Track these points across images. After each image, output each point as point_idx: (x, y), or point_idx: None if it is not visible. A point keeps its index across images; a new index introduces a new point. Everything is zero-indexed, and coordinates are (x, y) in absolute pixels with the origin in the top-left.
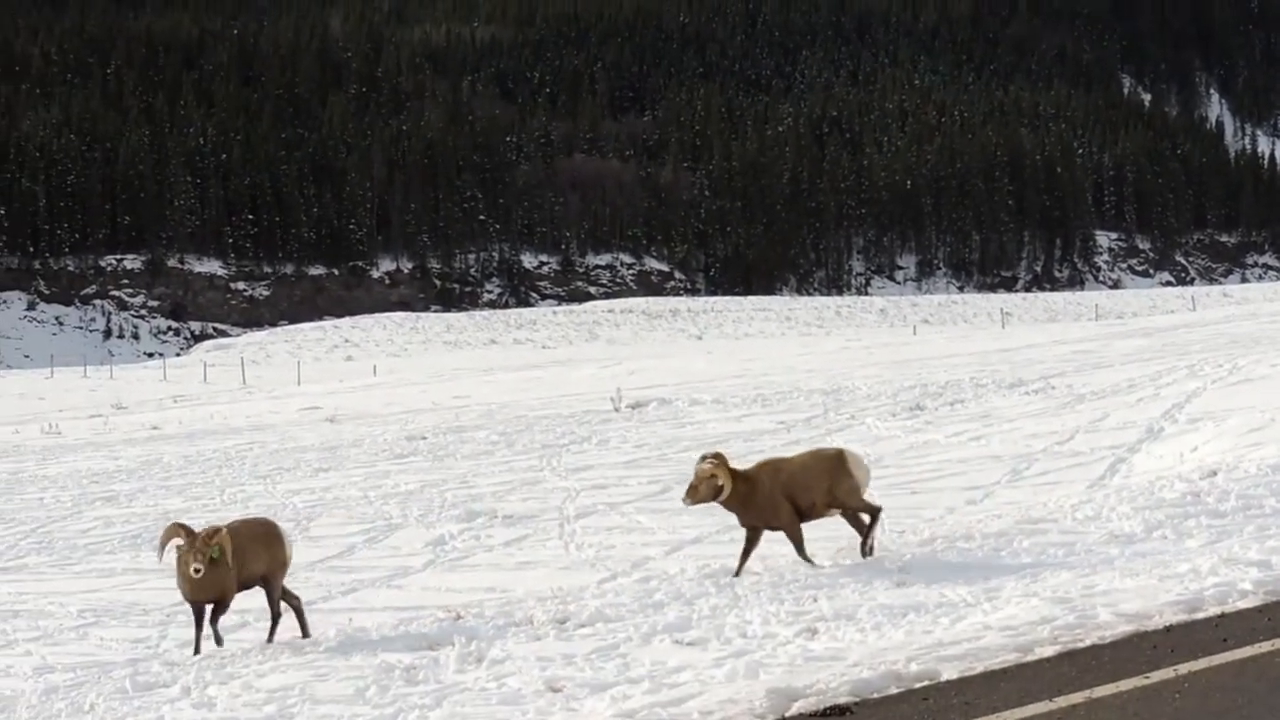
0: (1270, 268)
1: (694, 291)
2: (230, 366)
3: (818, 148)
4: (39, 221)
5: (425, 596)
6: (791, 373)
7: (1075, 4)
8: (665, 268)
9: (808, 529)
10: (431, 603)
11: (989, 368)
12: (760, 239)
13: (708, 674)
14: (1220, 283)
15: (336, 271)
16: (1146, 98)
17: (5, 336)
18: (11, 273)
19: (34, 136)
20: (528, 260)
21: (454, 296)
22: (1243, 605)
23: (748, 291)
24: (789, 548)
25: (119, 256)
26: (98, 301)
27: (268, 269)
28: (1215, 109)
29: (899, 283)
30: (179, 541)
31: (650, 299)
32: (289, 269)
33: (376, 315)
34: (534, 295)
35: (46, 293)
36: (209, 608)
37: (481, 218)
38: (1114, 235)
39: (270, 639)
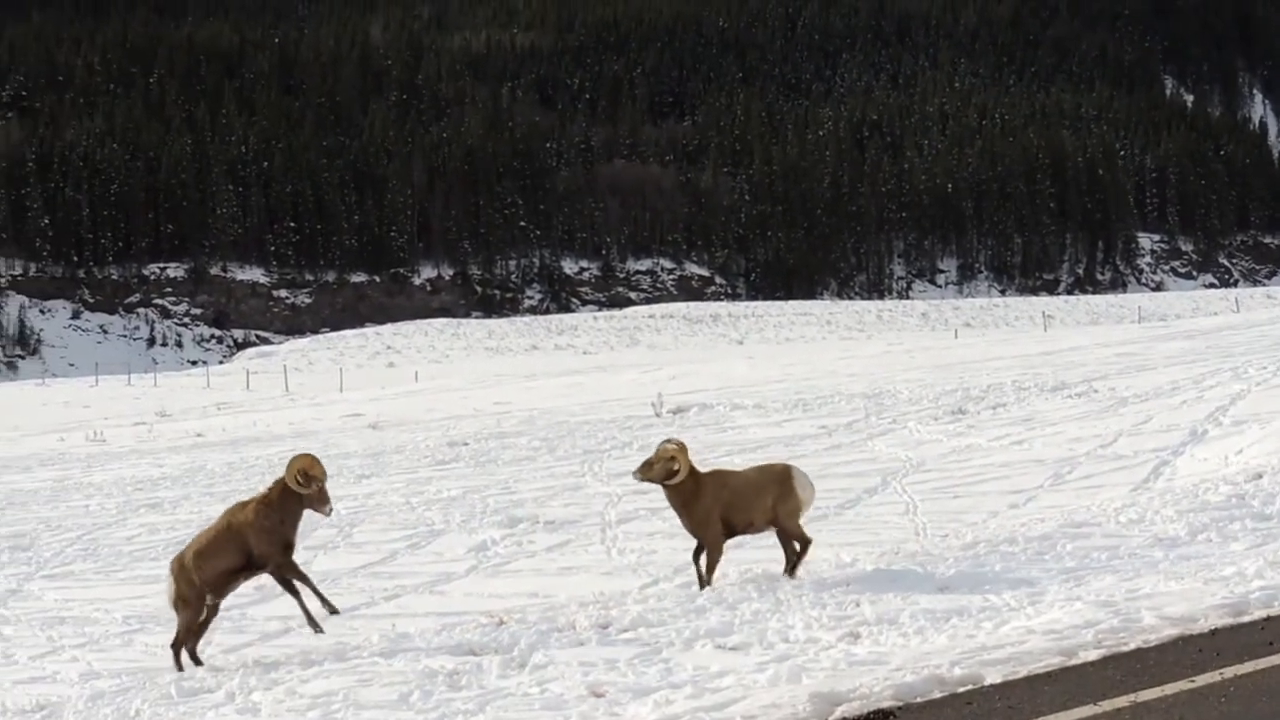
0: None
1: (735, 296)
2: (273, 374)
3: (858, 151)
4: (83, 231)
5: (468, 602)
6: (833, 377)
7: (1116, 5)
8: (706, 272)
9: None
10: (474, 608)
11: (1031, 371)
12: (801, 243)
13: (750, 678)
14: (1264, 284)
15: (378, 278)
16: (1189, 98)
17: (50, 345)
18: (56, 282)
19: (77, 146)
20: (568, 266)
21: (495, 303)
22: None
23: (788, 296)
24: (830, 552)
25: (162, 265)
26: (141, 310)
27: (309, 276)
28: (1259, 109)
29: (940, 286)
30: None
31: (691, 304)
32: (331, 276)
33: (418, 322)
34: (575, 301)
35: (91, 301)
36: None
37: (522, 224)
38: (1156, 237)
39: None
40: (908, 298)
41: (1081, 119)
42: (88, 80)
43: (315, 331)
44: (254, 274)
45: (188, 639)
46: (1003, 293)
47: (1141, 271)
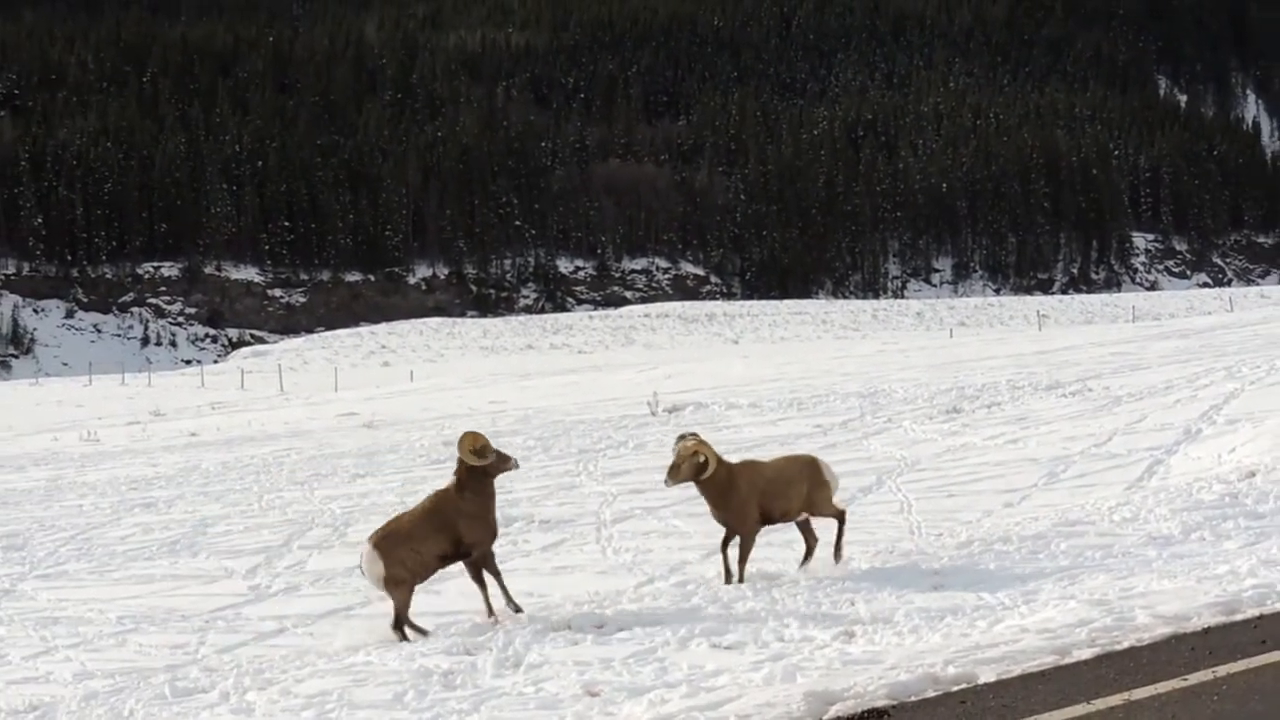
0: None
1: (730, 295)
2: (267, 373)
3: (853, 151)
4: (77, 230)
5: (462, 601)
6: (828, 376)
7: (1110, 5)
8: (701, 272)
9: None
10: (469, 607)
11: (1026, 370)
12: (796, 242)
13: (745, 677)
14: (1258, 284)
15: (373, 278)
16: (1182, 98)
17: (44, 344)
18: (50, 281)
19: (71, 145)
20: (563, 265)
21: (490, 302)
22: None
23: (784, 295)
24: (824, 551)
25: (156, 264)
26: (135, 309)
27: (304, 276)
28: (1252, 109)
29: (935, 285)
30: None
31: (686, 303)
32: (325, 275)
33: (413, 321)
34: (570, 300)
35: (84, 301)
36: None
37: (517, 223)
38: (1150, 237)
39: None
40: (902, 297)
41: (1076, 119)
42: (81, 79)
43: (310, 331)
44: (248, 273)
45: (407, 614)
46: (997, 292)
47: (1136, 271)
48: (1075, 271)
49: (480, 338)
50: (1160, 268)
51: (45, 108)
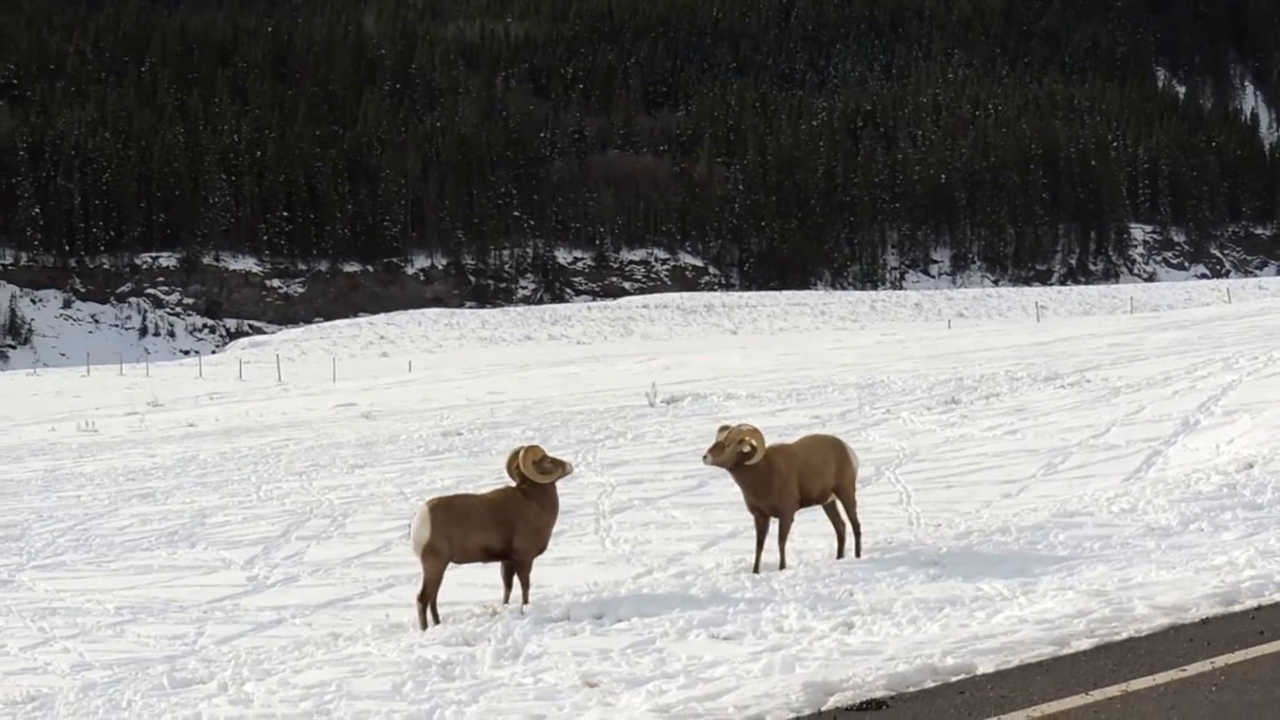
0: None
1: (728, 286)
2: (266, 364)
3: (852, 142)
4: (75, 220)
5: (461, 592)
6: (826, 367)
7: None
8: (700, 263)
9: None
10: (468, 598)
11: (1024, 361)
12: (795, 233)
13: (743, 668)
14: (1255, 275)
15: (371, 268)
16: (1180, 90)
17: (42, 335)
18: (48, 271)
19: (69, 135)
20: (562, 256)
21: (489, 293)
22: (1279, 597)
23: (782, 286)
24: (824, 542)
25: (154, 254)
26: (133, 299)
27: (302, 266)
28: (1250, 101)
29: (933, 276)
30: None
31: (685, 294)
32: (324, 266)
33: (411, 312)
34: (568, 291)
35: (83, 291)
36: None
37: (516, 214)
38: (1149, 228)
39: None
40: (901, 288)
41: (1074, 110)
42: (80, 68)
43: (308, 321)
44: (247, 263)
45: (435, 591)
46: (996, 283)
47: (1134, 262)
48: (1073, 262)
49: (479, 328)
50: (1158, 259)
51: (44, 97)
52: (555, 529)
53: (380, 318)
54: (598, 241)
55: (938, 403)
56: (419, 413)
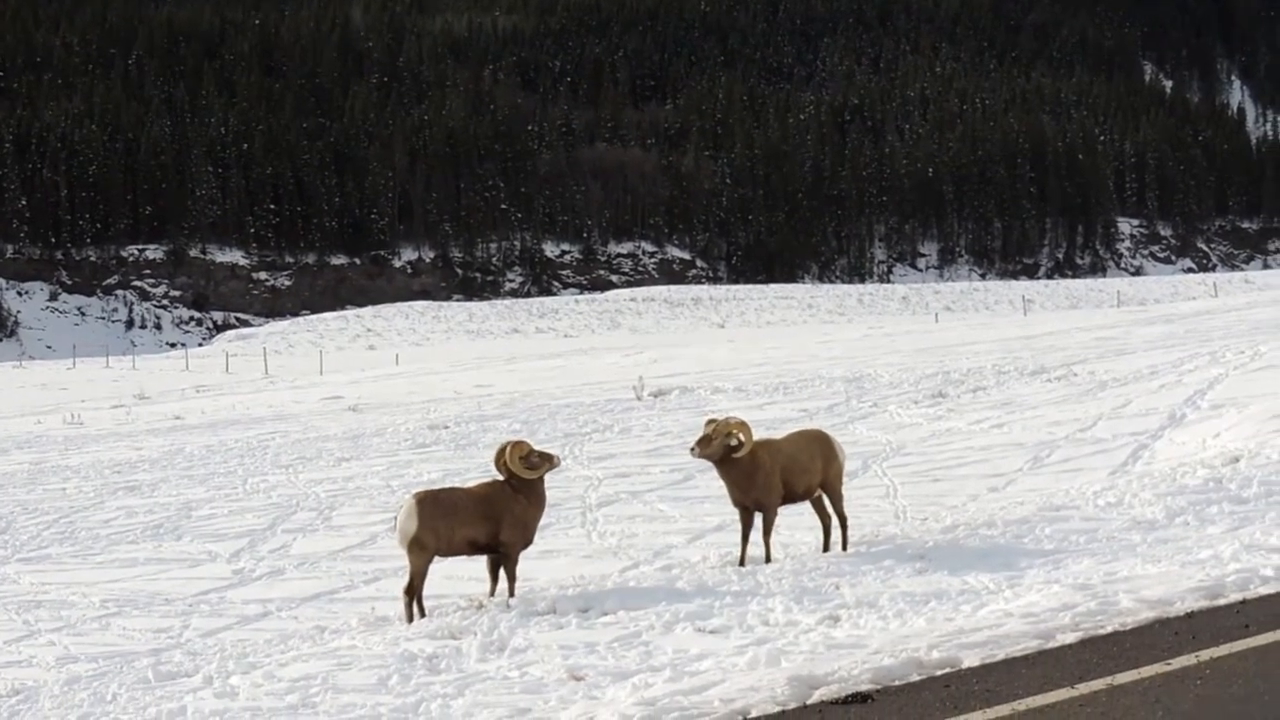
0: None
1: (716, 279)
2: (252, 356)
3: (839, 135)
4: (61, 212)
5: (447, 585)
6: (814, 360)
7: None
8: (687, 256)
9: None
10: (454, 591)
11: (1011, 355)
12: (782, 227)
13: (729, 662)
14: (1242, 269)
15: (358, 261)
16: (1168, 84)
17: (28, 327)
18: (34, 263)
19: (56, 127)
20: (549, 249)
21: (476, 286)
22: (1265, 591)
23: (770, 279)
24: (811, 536)
25: (141, 247)
26: (120, 292)
27: (289, 259)
28: (1237, 95)
29: (921, 270)
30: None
31: (672, 287)
32: (311, 259)
33: (399, 305)
34: (556, 284)
35: (69, 283)
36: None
37: (503, 207)
38: (1136, 222)
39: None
40: (888, 281)
41: (1061, 104)
42: (66, 61)
43: (295, 314)
44: (233, 256)
45: (421, 584)
46: (983, 277)
47: (1121, 256)
48: (1060, 256)
49: (466, 321)
50: (1145, 253)
51: (30, 90)
52: (542, 522)
53: (367, 310)
54: (585, 234)
55: (925, 396)
56: (406, 406)
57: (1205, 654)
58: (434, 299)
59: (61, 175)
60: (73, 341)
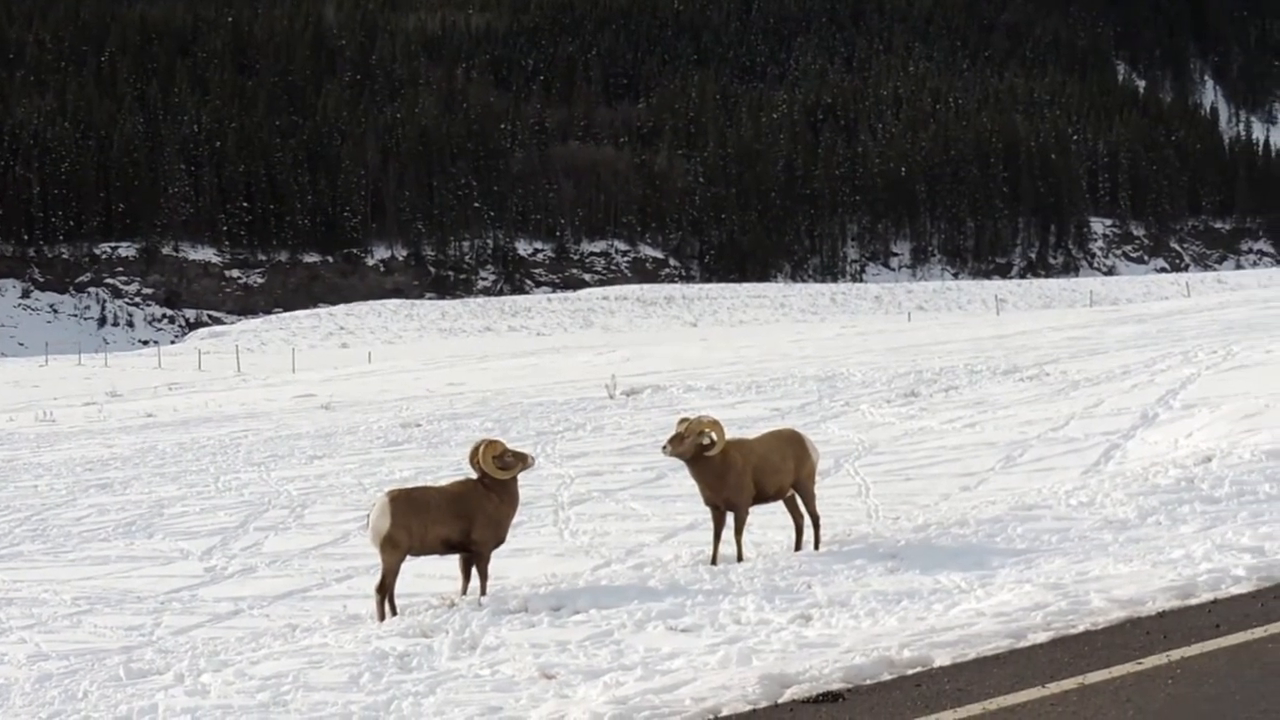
0: (1264, 254)
1: (689, 278)
2: (225, 354)
3: (812, 134)
4: (33, 209)
5: (419, 584)
6: (786, 359)
7: None
8: (660, 254)
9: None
10: (426, 590)
11: (983, 354)
12: (755, 226)
13: (701, 660)
14: (1215, 269)
15: (331, 259)
16: (1141, 84)
17: (0, 324)
18: (6, 260)
19: (28, 124)
20: (522, 247)
21: (448, 284)
22: (1236, 591)
23: (742, 278)
24: (783, 535)
25: (113, 244)
26: (92, 289)
27: (262, 256)
28: (1209, 95)
29: (894, 269)
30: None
31: (645, 286)
32: (283, 256)
33: (371, 303)
34: (529, 282)
35: (41, 280)
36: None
37: (476, 205)
38: (1108, 222)
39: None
40: (861, 281)
41: (1034, 103)
42: (39, 58)
43: (268, 312)
44: (206, 253)
45: (393, 582)
46: (955, 276)
47: (1093, 256)
48: (1033, 256)
49: (438, 319)
50: (1118, 253)
51: (2, 86)
52: (514, 520)
53: (340, 309)
54: (558, 233)
55: (897, 395)
56: (378, 404)
57: (1176, 653)
58: (407, 297)
59: (34, 172)
60: (45, 339)
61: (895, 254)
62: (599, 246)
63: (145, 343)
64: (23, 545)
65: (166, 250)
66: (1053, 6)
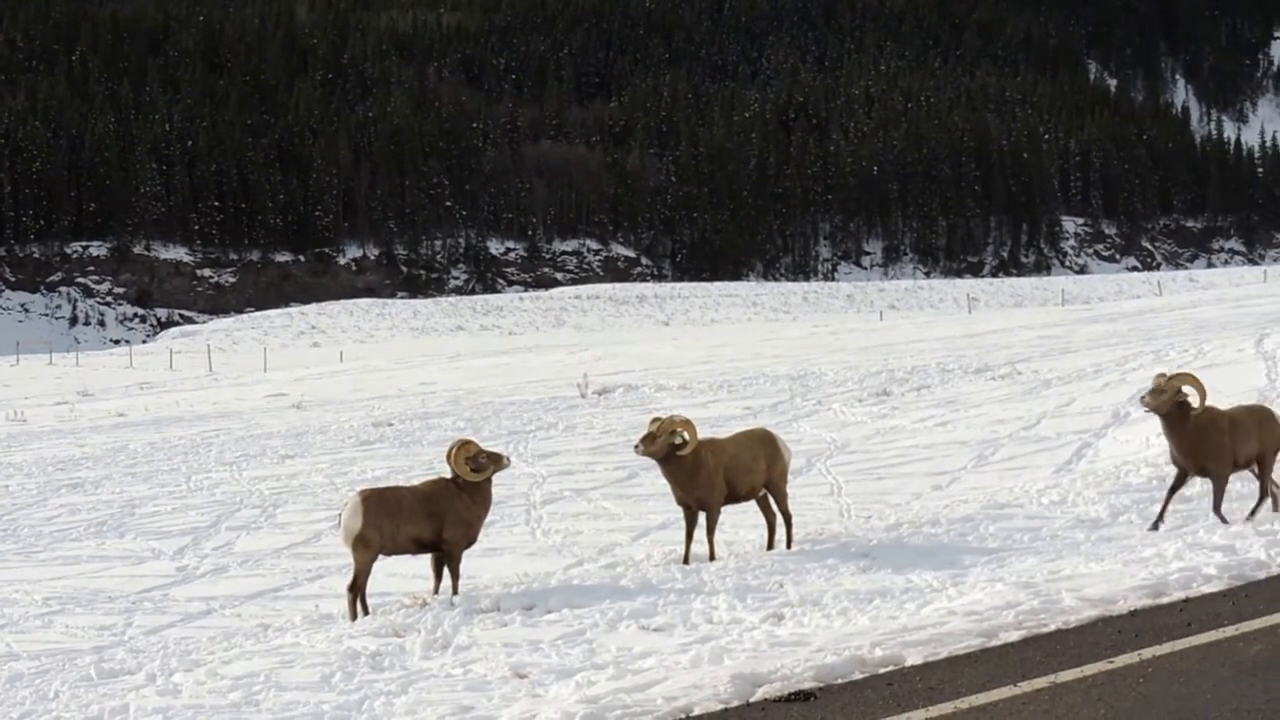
0: (1236, 253)
1: (661, 277)
2: (196, 353)
3: (784, 134)
4: (4, 209)
5: (391, 583)
6: (758, 358)
7: None
8: (632, 254)
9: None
10: (398, 589)
11: (955, 353)
12: (727, 225)
13: (673, 659)
14: (1186, 268)
15: (303, 258)
16: (1112, 83)
17: None
18: None
19: None
20: (494, 246)
21: (420, 283)
22: (1207, 590)
23: (714, 277)
24: (755, 534)
25: (85, 243)
26: (63, 288)
27: (234, 256)
28: (1181, 95)
29: (866, 268)
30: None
31: (617, 285)
32: (255, 256)
33: (343, 302)
34: (500, 281)
35: (12, 280)
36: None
37: (448, 204)
38: (1080, 220)
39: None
40: (833, 279)
41: (1006, 102)
42: (9, 57)
43: (239, 311)
44: (178, 253)
45: (365, 581)
46: (928, 275)
47: (1065, 254)
48: (1005, 255)
49: (410, 319)
50: (1089, 251)
51: None
52: (486, 520)
53: (312, 308)
54: (530, 232)
55: (869, 394)
56: (350, 403)
57: (1148, 652)
58: (378, 296)
59: (5, 172)
60: (16, 338)
61: (867, 253)
62: (571, 245)
63: (117, 342)
64: None
65: (138, 249)
66: (1024, 5)
